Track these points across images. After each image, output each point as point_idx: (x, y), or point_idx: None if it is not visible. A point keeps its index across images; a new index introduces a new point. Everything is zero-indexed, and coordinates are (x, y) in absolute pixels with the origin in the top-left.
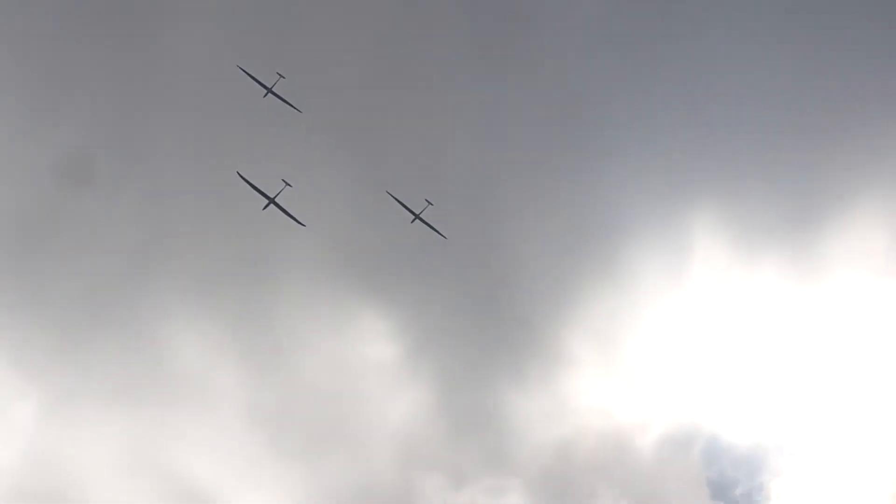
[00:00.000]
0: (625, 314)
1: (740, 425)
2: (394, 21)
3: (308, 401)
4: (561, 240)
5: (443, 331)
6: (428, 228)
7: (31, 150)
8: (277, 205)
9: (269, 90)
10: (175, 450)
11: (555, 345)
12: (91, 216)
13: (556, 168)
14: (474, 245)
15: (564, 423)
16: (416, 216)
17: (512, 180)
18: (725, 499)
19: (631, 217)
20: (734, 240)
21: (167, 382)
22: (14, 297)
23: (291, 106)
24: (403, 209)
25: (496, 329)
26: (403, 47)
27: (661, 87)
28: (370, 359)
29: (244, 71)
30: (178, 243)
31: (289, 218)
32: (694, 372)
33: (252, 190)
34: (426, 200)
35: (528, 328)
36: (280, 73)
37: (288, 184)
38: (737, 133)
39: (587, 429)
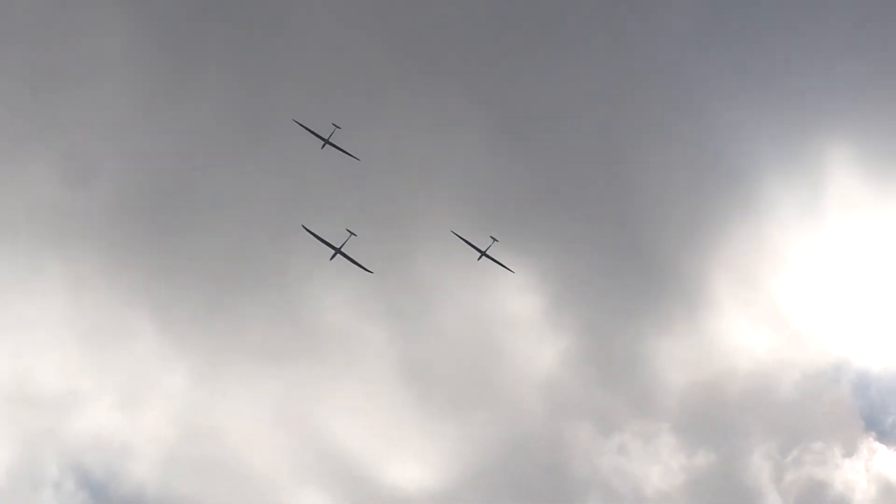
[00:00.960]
0: (765, 252)
1: (887, 356)
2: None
3: (454, 355)
4: (697, 182)
5: (585, 280)
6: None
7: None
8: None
9: (327, 141)
10: (324, 407)
11: (697, 287)
12: (234, 176)
13: (691, 108)
14: (609, 194)
15: (710, 365)
16: (483, 253)
17: (649, 125)
18: (878, 429)
19: (765, 155)
20: (868, 173)
21: (314, 340)
22: (159, 262)
23: (349, 154)
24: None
25: (637, 275)
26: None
27: (794, 15)
28: (514, 311)
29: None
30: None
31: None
32: (836, 305)
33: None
34: (492, 237)
35: (669, 272)
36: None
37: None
38: (870, 66)
39: (733, 369)
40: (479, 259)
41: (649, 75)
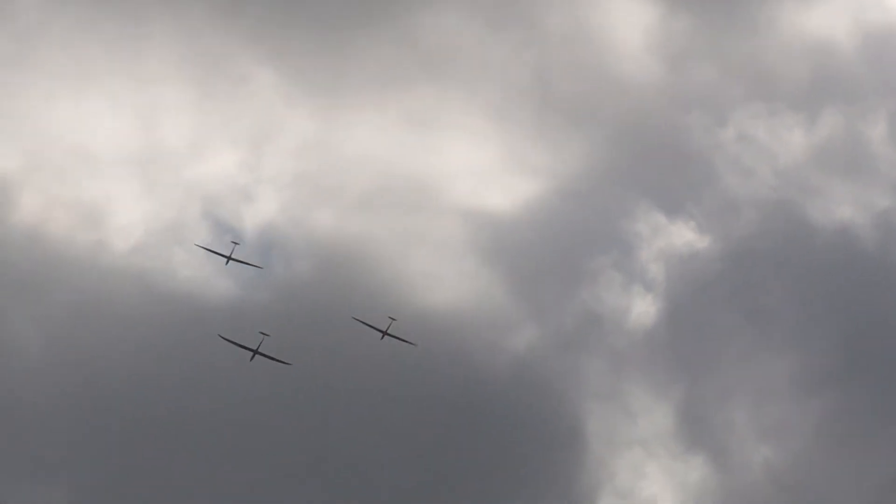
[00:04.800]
0: None
1: None
2: None
3: (569, 72)
4: None
5: None
6: None
7: None
8: None
9: None
10: (445, 131)
11: None
12: None
13: None
14: None
15: (822, 29)
16: None
17: None
18: None
19: None
20: None
21: (434, 65)
22: (270, 3)
23: None
24: None
25: None
26: None
27: None
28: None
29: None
30: None
31: None
32: None
33: None
34: None
35: None
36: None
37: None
38: None
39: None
40: None
41: None
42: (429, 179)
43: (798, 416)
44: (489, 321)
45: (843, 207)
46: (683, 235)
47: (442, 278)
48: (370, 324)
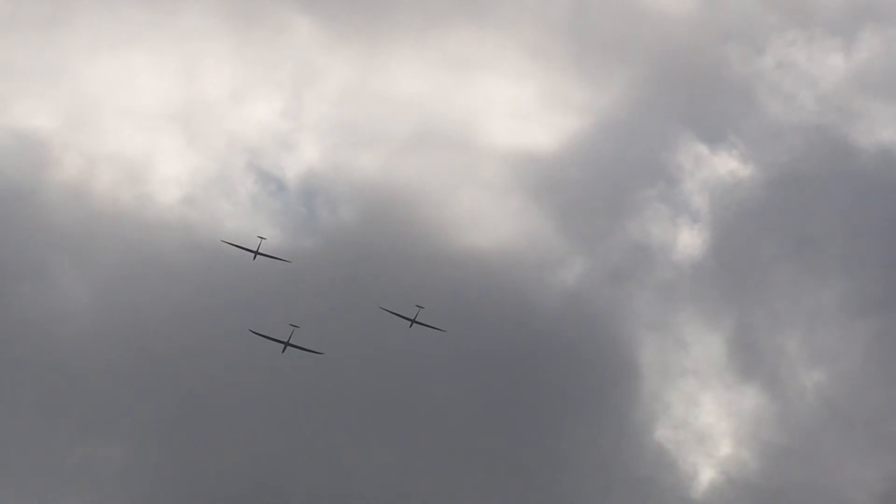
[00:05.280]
0: None
1: None
2: None
3: (603, 9)
4: None
5: None
6: None
7: None
8: None
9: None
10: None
11: None
12: None
13: None
14: None
15: None
16: None
17: None
18: None
19: None
20: None
21: (468, 5)
22: None
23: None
24: None
25: None
26: None
27: None
28: None
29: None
30: None
31: None
32: None
33: None
34: None
35: None
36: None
37: None
38: None
39: None
40: None
41: None
42: (470, 120)
43: (848, 340)
44: (538, 258)
45: (886, 129)
46: (726, 165)
47: (488, 218)
48: (398, 313)
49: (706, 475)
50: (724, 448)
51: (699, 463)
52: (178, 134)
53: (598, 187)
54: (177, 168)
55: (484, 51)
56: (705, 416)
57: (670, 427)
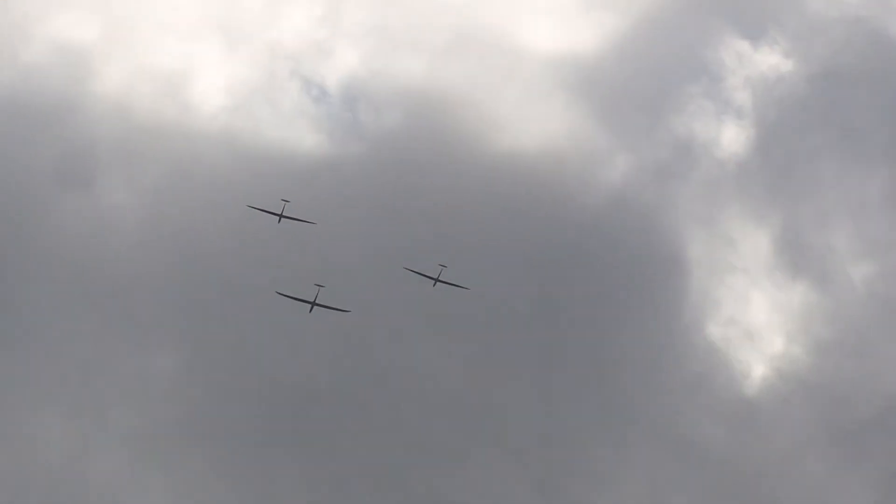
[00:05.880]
0: None
1: None
2: None
3: None
4: None
5: None
6: None
7: None
8: None
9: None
10: None
11: None
12: None
13: None
14: None
15: None
16: None
17: None
18: None
19: None
20: None
21: None
22: None
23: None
24: None
25: None
26: None
27: None
28: None
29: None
30: None
31: None
32: None
33: None
34: None
35: None
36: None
37: None
38: None
39: None
40: None
41: None
42: (509, 22)
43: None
44: (582, 157)
45: None
46: (768, 60)
47: (532, 119)
48: (423, 273)
49: (758, 372)
50: (776, 345)
51: (750, 360)
52: (217, 44)
53: (640, 85)
54: (217, 78)
55: None
56: (756, 313)
57: (720, 324)
